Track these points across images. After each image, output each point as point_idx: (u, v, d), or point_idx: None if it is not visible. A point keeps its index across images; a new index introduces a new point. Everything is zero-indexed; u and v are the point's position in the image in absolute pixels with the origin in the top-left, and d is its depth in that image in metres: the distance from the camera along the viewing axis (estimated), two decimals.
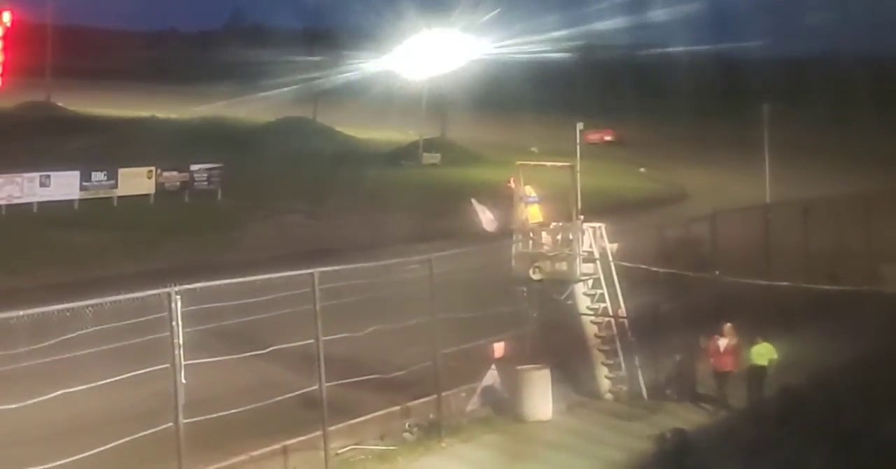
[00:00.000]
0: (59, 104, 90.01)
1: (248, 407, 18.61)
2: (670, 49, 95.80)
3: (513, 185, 25.49)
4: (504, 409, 23.06)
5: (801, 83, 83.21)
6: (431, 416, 21.88)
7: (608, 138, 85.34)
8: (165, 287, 17.22)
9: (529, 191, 25.51)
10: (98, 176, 50.85)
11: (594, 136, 77.80)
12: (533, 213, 25.80)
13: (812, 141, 70.29)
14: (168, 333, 17.04)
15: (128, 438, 16.61)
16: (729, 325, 24.38)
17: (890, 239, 36.23)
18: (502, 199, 25.97)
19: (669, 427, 21.43)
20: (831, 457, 19.10)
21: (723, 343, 24.23)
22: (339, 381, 20.02)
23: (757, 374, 24.05)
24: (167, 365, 17.00)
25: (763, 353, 24.03)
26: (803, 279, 29.16)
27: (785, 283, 27.65)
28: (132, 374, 17.24)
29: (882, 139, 67.76)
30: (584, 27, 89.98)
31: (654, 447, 20.62)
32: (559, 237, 25.21)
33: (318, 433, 19.46)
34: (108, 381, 17.08)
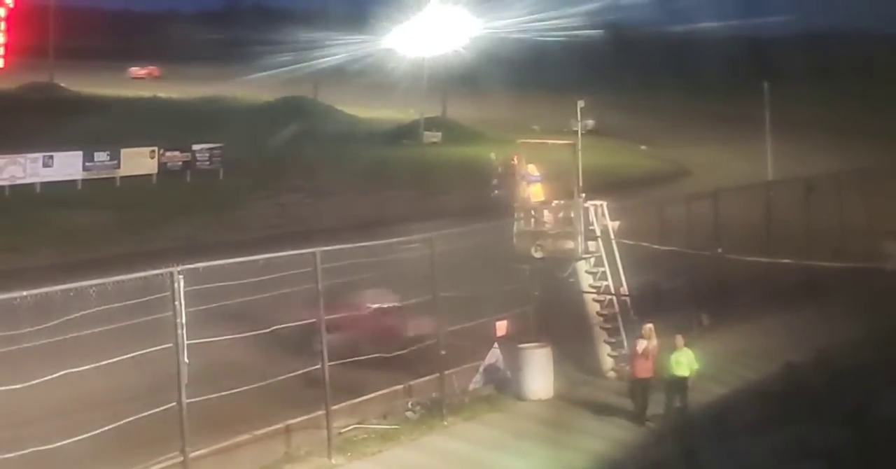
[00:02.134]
0: (62, 85, 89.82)
1: (252, 386, 18.66)
2: (673, 27, 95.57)
3: (515, 162, 25.46)
4: (506, 387, 23.11)
5: (804, 60, 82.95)
6: (434, 394, 21.95)
7: None
8: (168, 267, 17.27)
9: (532, 169, 25.48)
10: (101, 156, 50.82)
11: None
12: (535, 191, 25.79)
13: (814, 117, 70.10)
14: (171, 313, 17.11)
15: (132, 418, 16.68)
16: (649, 325, 22.10)
17: (893, 215, 36.23)
18: (506, 177, 25.88)
19: (674, 405, 21.51)
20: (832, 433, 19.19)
21: (641, 345, 21.91)
22: (342, 361, 20.08)
23: (675, 387, 21.49)
24: (170, 345, 17.06)
25: (683, 361, 21.49)
26: (806, 256, 29.21)
27: (787, 261, 27.69)
28: (135, 354, 17.28)
29: (883, 115, 67.58)
30: (586, 5, 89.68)
31: (657, 425, 20.71)
32: (561, 215, 25.20)
33: (321, 412, 19.53)
34: (111, 360, 17.13)
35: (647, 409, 21.54)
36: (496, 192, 25.94)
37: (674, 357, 21.46)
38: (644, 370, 21.63)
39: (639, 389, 21.75)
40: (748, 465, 19.41)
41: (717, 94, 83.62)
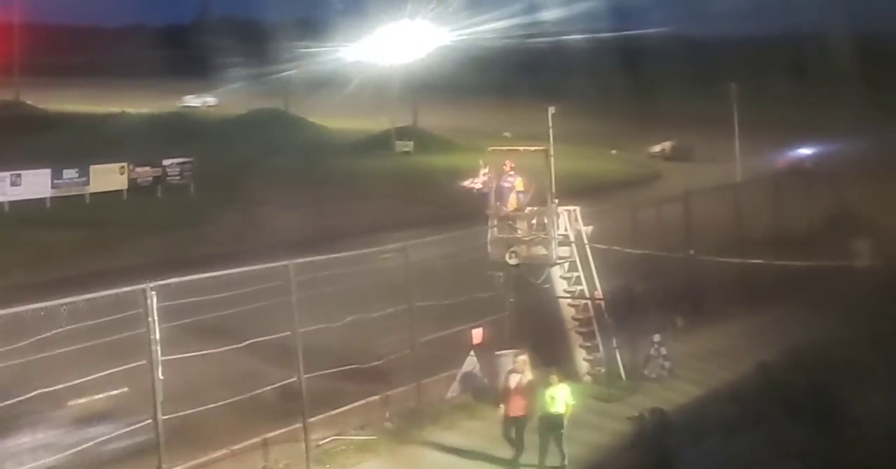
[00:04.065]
0: (29, 102, 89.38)
1: (227, 401, 18.59)
2: (639, 31, 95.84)
3: (507, 168, 25.43)
4: (484, 395, 23.09)
5: (768, 60, 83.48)
6: (411, 404, 21.94)
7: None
8: (140, 283, 17.20)
9: (519, 184, 25.47)
10: (70, 173, 50.59)
11: None
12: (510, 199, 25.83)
13: (780, 118, 70.48)
14: (144, 330, 17.04)
15: (107, 436, 16.60)
16: (523, 357, 20.42)
17: (861, 213, 36.51)
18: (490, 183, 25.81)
19: (648, 407, 21.53)
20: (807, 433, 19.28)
21: (514, 380, 20.02)
22: (319, 373, 20.04)
23: (549, 425, 19.67)
24: (144, 361, 16.99)
25: (556, 396, 19.79)
26: (776, 256, 29.37)
27: (759, 261, 27.84)
28: (108, 372, 17.20)
29: (849, 114, 68.01)
30: (553, 11, 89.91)
31: (634, 428, 20.73)
32: (534, 221, 25.26)
33: (299, 425, 19.48)
34: (84, 379, 17.05)
35: (522, 450, 19.70)
36: (477, 189, 25.94)
37: (548, 393, 19.76)
38: (517, 407, 19.76)
39: (512, 429, 19.86)
40: (723, 465, 19.48)
41: (685, 96, 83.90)
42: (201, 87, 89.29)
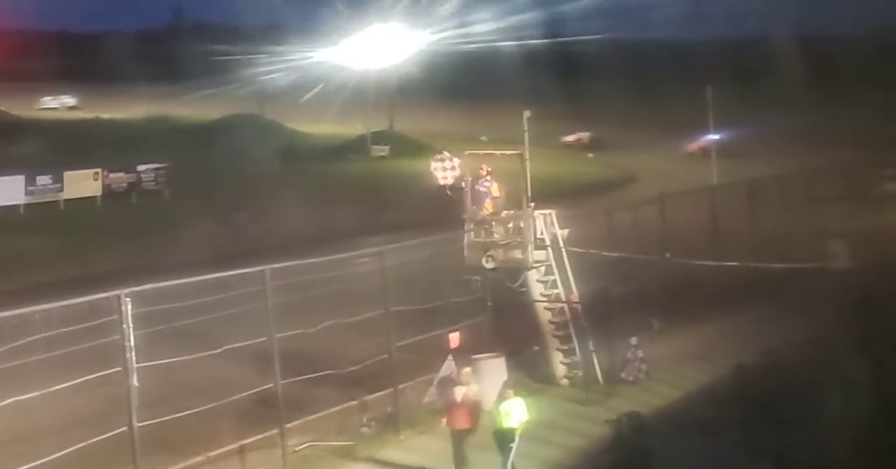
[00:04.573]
0: (2, 108, 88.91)
1: (204, 408, 18.51)
2: (615, 34, 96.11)
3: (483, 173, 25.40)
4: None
5: (746, 63, 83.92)
6: (389, 409, 21.89)
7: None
8: (115, 290, 17.10)
9: (495, 189, 25.46)
10: (43, 180, 50.35)
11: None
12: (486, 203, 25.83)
13: (758, 120, 70.82)
14: (119, 336, 16.94)
15: (81, 444, 16.48)
16: (467, 369, 20.03)
17: (836, 215, 36.70)
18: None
19: (625, 410, 21.55)
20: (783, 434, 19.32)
21: (460, 393, 19.33)
22: (295, 378, 19.97)
23: (503, 439, 19.06)
24: (119, 368, 16.88)
25: (510, 411, 19.09)
26: (752, 258, 29.46)
27: (734, 263, 27.92)
28: (83, 379, 17.09)
29: (824, 117, 68.47)
30: (529, 14, 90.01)
31: (611, 431, 20.74)
32: (511, 225, 25.27)
33: (276, 431, 19.41)
34: (60, 387, 16.93)
35: (464, 464, 19.07)
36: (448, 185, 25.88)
37: (502, 407, 19.14)
38: (461, 421, 19.05)
39: (456, 442, 19.17)
40: (701, 467, 19.52)
41: (660, 99, 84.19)
42: (175, 93, 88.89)
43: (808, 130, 67.78)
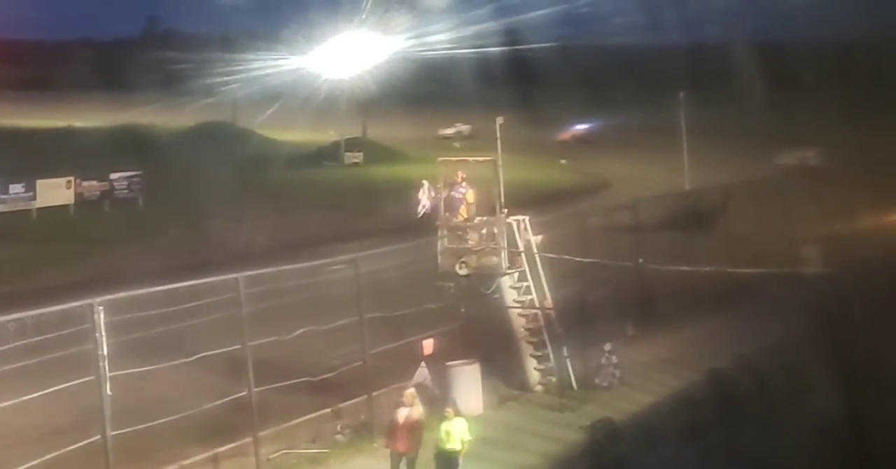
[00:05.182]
0: None
1: (177, 416, 18.45)
2: (585, 41, 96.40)
3: (459, 180, 25.42)
4: (435, 405, 23.04)
5: (714, 69, 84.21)
6: (363, 416, 21.86)
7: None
8: (87, 299, 17.04)
9: (470, 196, 25.49)
10: (16, 188, 50.13)
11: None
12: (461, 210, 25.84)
13: (727, 126, 71.20)
14: (92, 345, 16.88)
15: (54, 453, 16.40)
16: (410, 390, 19.47)
17: (809, 220, 36.85)
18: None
19: (600, 416, 21.60)
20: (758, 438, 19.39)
21: (402, 414, 18.84)
22: (269, 386, 19.93)
23: (444, 462, 18.71)
24: (92, 377, 16.82)
25: (452, 432, 18.67)
26: (726, 264, 29.56)
27: (708, 268, 28.00)
28: (56, 388, 17.01)
29: (795, 121, 68.75)
30: (501, 21, 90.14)
31: (585, 437, 20.77)
32: (484, 231, 25.30)
33: (249, 439, 19.36)
34: (33, 396, 16.85)
35: None
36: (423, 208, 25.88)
37: (443, 427, 18.69)
38: (402, 443, 18.68)
39: (395, 465, 18.80)
40: None
41: (633, 106, 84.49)
42: (147, 100, 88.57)
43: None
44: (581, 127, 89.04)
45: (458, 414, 19.02)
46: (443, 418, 18.86)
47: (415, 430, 18.67)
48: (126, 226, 47.38)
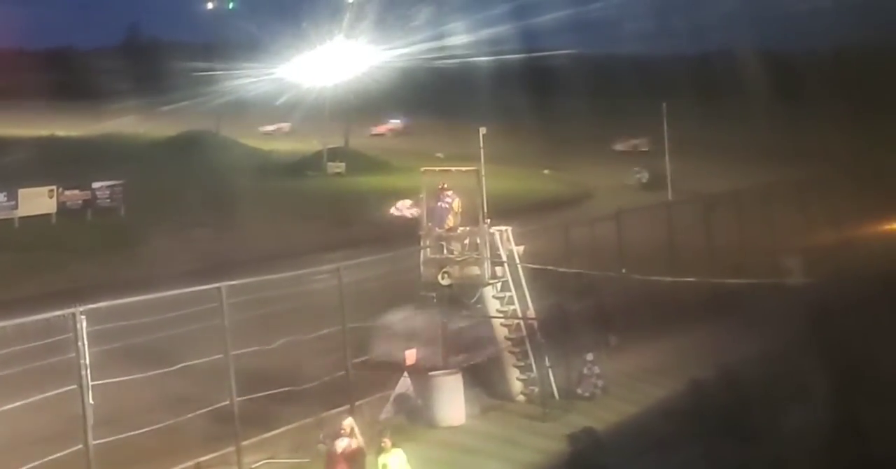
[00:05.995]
0: None
1: (160, 425, 18.42)
2: (570, 51, 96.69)
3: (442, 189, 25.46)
4: (418, 416, 23.06)
5: (697, 80, 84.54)
6: None
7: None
8: (70, 308, 17.00)
9: (456, 205, 25.52)
10: None
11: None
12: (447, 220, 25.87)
13: (710, 137, 71.42)
14: (74, 354, 16.84)
15: (36, 462, 16.36)
16: (349, 419, 18.61)
17: (792, 232, 36.99)
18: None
19: (582, 426, 21.60)
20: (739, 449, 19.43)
21: (341, 445, 18.06)
22: (251, 396, 19.91)
23: None
24: (74, 386, 16.78)
25: (389, 464, 18.05)
26: (709, 274, 29.64)
27: (691, 279, 28.07)
28: (38, 397, 16.96)
29: (779, 133, 69.07)
30: (484, 31, 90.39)
31: (568, 447, 20.78)
32: (467, 241, 25.33)
33: (231, 449, 19.33)
34: (15, 404, 16.81)
35: None
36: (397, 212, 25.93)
37: (381, 460, 18.05)
38: None
39: None
40: None
41: (617, 116, 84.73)
42: (130, 110, 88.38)
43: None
44: (395, 121, 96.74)
45: (395, 445, 18.25)
46: (380, 450, 18.13)
47: (355, 460, 17.91)
48: (108, 235, 47.24)
